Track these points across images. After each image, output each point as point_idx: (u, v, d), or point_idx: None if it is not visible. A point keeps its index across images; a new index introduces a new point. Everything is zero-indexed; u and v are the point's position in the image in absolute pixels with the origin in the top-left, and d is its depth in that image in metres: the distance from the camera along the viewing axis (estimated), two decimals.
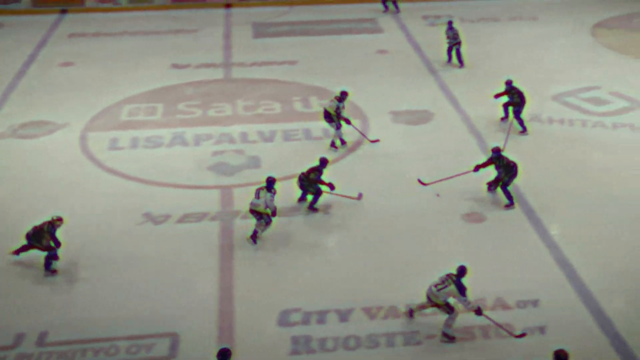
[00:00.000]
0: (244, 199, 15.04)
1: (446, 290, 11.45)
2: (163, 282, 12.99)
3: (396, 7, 28.56)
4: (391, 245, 14.03)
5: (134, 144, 18.00)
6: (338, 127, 17.41)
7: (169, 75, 22.24)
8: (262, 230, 13.97)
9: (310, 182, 14.89)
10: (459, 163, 16.31)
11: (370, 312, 12.20)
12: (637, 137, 18.16)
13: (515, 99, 17.98)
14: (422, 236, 14.30)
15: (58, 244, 13.04)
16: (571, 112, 19.47)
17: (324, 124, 17.81)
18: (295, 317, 12.13)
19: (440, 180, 15.54)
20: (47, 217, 13.21)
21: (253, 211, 13.87)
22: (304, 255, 13.75)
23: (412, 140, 18.05)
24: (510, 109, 18.30)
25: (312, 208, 15.09)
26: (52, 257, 13.05)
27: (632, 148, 17.53)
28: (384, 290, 12.72)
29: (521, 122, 18.21)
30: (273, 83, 21.71)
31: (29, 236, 13.04)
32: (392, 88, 21.15)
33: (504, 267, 13.33)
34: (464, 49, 22.44)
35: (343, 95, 17.53)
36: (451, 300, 11.56)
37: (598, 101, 20.15)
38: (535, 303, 12.35)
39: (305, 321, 12.03)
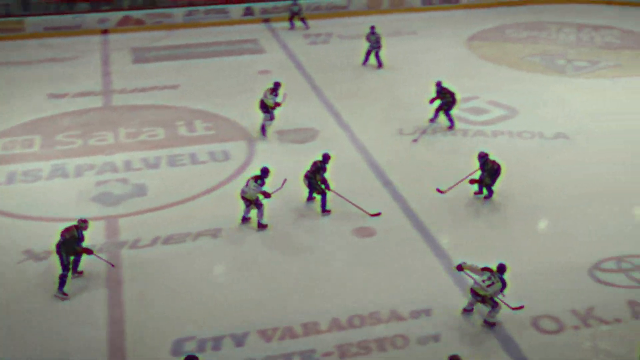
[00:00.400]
0: (130, 228, 14.76)
1: (494, 286, 12.07)
2: (51, 318, 12.53)
3: (305, 23, 28.95)
4: (283, 265, 14.04)
5: (11, 179, 17.35)
6: (272, 117, 19.06)
7: (46, 106, 21.61)
8: (262, 215, 14.93)
9: (317, 181, 15.53)
10: (349, 180, 16.56)
11: (265, 335, 12.15)
12: (515, 143, 18.93)
13: (447, 98, 19.28)
14: (314, 254, 14.38)
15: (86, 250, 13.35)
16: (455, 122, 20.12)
17: (258, 113, 19.13)
18: (190, 345, 11.93)
19: (455, 185, 16.10)
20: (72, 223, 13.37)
21: (243, 198, 14.91)
22: (194, 281, 13.57)
23: (299, 159, 18.15)
24: (442, 110, 19.58)
25: (325, 211, 15.61)
26: (79, 260, 13.51)
27: (511, 154, 18.24)
28: (279, 311, 12.70)
29: (450, 119, 19.53)
30: (155, 108, 21.45)
31: (59, 246, 13.06)
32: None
33: (397, 279, 13.56)
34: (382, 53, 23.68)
35: (276, 85, 19.10)
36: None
37: (478, 110, 20.93)
38: (428, 312, 12.61)
39: (201, 348, 11.85)
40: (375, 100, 21.83)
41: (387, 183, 16.95)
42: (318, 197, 15.77)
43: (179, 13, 29.71)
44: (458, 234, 15.12)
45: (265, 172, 15.10)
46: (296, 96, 21.88)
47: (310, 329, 12.23)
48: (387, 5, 31.47)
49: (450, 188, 16.11)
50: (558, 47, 26.88)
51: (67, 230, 13.16)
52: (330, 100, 21.63)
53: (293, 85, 22.89)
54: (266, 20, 29.99)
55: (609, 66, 24.91)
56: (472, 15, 31.19)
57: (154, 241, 14.68)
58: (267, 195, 14.96)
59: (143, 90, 22.82)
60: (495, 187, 16.12)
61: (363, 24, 29.40)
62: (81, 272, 13.65)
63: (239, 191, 15.09)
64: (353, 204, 15.64)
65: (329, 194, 15.65)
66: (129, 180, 17.20)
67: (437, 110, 19.60)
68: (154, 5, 29.96)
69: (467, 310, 12.58)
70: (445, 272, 13.71)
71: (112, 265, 13.70)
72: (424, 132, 19.22)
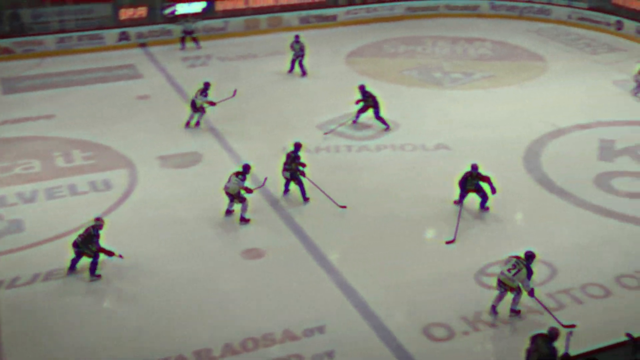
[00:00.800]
0: (7, 267, 14.25)
1: (519, 274, 12.58)
2: None
3: (197, 43, 28.80)
4: (171, 294, 13.84)
5: None
6: (203, 111, 21.14)
7: None
8: (245, 210, 15.91)
9: (294, 170, 16.68)
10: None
11: None
12: (398, 156, 19.43)
13: (369, 102, 20.77)
14: (202, 281, 14.25)
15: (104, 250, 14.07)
16: (337, 139, 20.46)
17: (189, 110, 21.04)
18: None
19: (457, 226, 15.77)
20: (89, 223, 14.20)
21: (226, 192, 15.86)
22: (78, 316, 13.20)
23: (184, 184, 18.02)
24: (364, 112, 21.14)
25: (306, 198, 16.89)
26: (96, 262, 14.05)
27: (395, 167, 18.69)
28: (169, 341, 12.49)
29: (382, 121, 21.00)
30: (30, 140, 20.76)
31: (77, 244, 14.01)
32: (158, 133, 21.06)
33: (289, 299, 13.63)
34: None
35: (206, 86, 21.09)
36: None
37: (360, 126, 21.36)
38: (321, 329, 12.73)
39: None
40: (259, 120, 21.95)
41: (274, 202, 17.04)
42: (297, 188, 16.93)
43: (50, 40, 28.93)
44: (347, 249, 15.36)
45: (246, 168, 16.10)
46: (177, 121, 21.73)
47: (203, 356, 12.11)
48: (265, 26, 31.75)
49: (455, 233, 15.66)
50: (434, 61, 27.83)
51: (86, 231, 14.06)
52: (212, 123, 21.58)
53: (173, 110, 22.78)
54: (142, 45, 29.66)
55: (483, 77, 25.97)
56: (349, 32, 31.90)
57: (34, 278, 14.20)
58: (249, 190, 15.95)
59: (16, 121, 22.07)
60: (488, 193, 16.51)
61: (242, 45, 29.73)
62: (99, 276, 14.16)
63: (125, 219, 14.85)
64: (325, 194, 16.74)
65: (305, 182, 16.89)
66: (4, 216, 16.57)
67: (359, 112, 21.10)
68: (22, 33, 29.07)
69: (494, 308, 13.04)
70: (337, 288, 13.88)
71: (121, 257, 14.23)
72: (334, 129, 20.73)
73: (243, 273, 14.53)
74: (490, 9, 34.59)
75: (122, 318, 13.23)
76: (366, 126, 21.30)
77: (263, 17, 31.86)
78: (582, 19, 32.70)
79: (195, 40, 29.24)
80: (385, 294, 13.74)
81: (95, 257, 14.09)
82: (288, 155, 16.91)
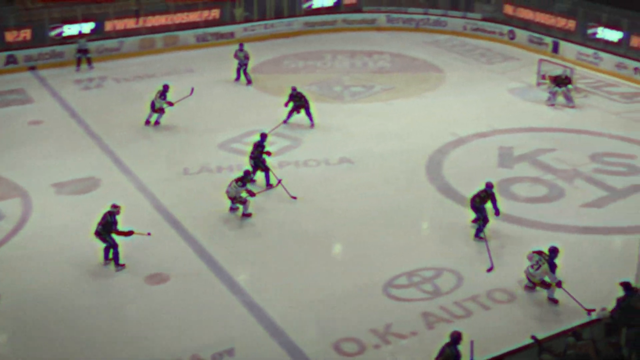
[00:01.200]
0: None
1: (541, 269, 13.52)
2: None
3: (90, 64, 28.60)
4: (72, 326, 13.47)
5: None
6: (162, 112, 22.49)
7: None
8: (247, 208, 16.93)
9: (259, 159, 18.32)
10: (137, 225, 16.25)
11: None
12: (302, 172, 19.53)
13: (298, 102, 22.37)
14: (105, 311, 13.92)
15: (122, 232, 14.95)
16: (239, 157, 20.36)
17: (148, 110, 22.51)
18: None
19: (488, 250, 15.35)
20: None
21: (228, 196, 16.95)
22: None
23: (83, 210, 17.58)
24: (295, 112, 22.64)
25: (269, 185, 18.32)
26: (117, 252, 14.87)
27: (299, 183, 18.75)
28: None
29: (310, 118, 22.62)
30: None
31: (99, 232, 14.84)
32: (52, 159, 20.49)
33: (196, 323, 13.46)
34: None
35: (165, 88, 22.50)
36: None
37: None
38: (230, 352, 12.62)
39: None
40: (158, 142, 21.68)
41: (176, 225, 16.84)
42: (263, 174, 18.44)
43: None
44: (254, 269, 15.33)
45: (246, 173, 17.15)
46: (72, 146, 21.24)
47: None
48: (160, 45, 31.41)
49: (491, 262, 15.20)
50: (334, 75, 28.17)
51: (103, 218, 14.85)
52: (110, 147, 21.18)
53: (68, 135, 22.23)
54: (32, 68, 28.82)
55: (383, 89, 26.44)
56: (249, 48, 31.85)
57: None
58: (252, 194, 16.98)
59: None
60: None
61: (138, 65, 29.33)
62: (123, 265, 15.00)
63: (19, 252, 14.51)
64: (283, 186, 17.98)
65: (271, 176, 18.37)
66: None
67: (290, 113, 22.55)
68: None
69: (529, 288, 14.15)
70: (245, 309, 13.81)
71: (149, 234, 15.40)
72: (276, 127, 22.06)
73: (148, 299, 14.28)
74: (387, 21, 35.29)
75: (22, 348, 12.81)
76: (269, 143, 21.27)
77: (158, 36, 31.50)
78: (476, 29, 33.76)
79: (89, 61, 28.69)
80: (294, 311, 13.76)
81: (115, 246, 14.90)
82: (255, 145, 18.55)
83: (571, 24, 30.95)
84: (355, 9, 35.92)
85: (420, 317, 13.53)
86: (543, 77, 26.14)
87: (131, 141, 21.66)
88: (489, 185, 16.16)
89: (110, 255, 15.09)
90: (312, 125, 22.59)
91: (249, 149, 18.80)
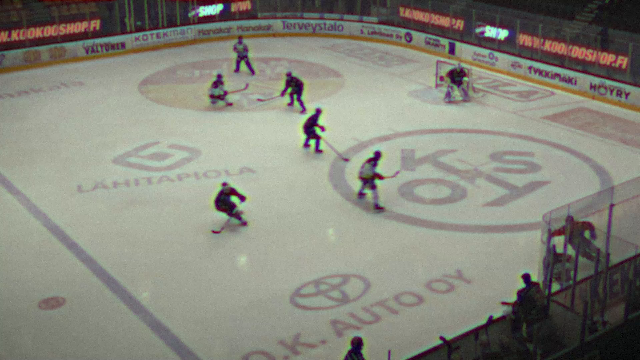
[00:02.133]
0: None
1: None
2: None
3: None
4: None
5: None
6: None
7: None
8: (377, 197, 17.89)
9: (310, 129, 20.95)
10: (27, 250, 15.82)
11: None
12: (202, 184, 19.38)
13: (293, 87, 24.40)
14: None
15: (242, 198, 17.22)
16: (136, 171, 20.09)
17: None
18: None
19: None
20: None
21: (360, 177, 18.12)
22: None
23: None
24: (295, 96, 24.72)
25: (318, 150, 21.11)
26: (236, 214, 17.10)
27: (199, 195, 18.59)
28: None
29: (301, 104, 24.48)
30: None
31: (217, 203, 17.04)
32: None
33: (96, 347, 13.13)
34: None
35: (219, 77, 25.15)
36: None
37: (160, 156, 21.14)
38: None
39: None
40: (49, 159, 21.09)
41: (71, 245, 16.44)
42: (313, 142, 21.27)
43: None
44: (156, 286, 15.11)
45: (377, 154, 18.05)
46: None
47: None
48: (47, 57, 30.63)
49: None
50: (231, 83, 28.05)
51: (218, 195, 16.99)
52: None
53: None
54: None
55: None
56: (140, 59, 31.51)
57: None
58: (380, 177, 17.91)
59: None
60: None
61: (23, 79, 28.50)
62: (245, 223, 17.21)
63: None
64: (332, 148, 20.35)
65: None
66: None
67: (291, 96, 24.68)
68: None
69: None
70: (148, 327, 13.59)
71: (245, 224, 17.08)
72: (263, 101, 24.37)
73: (42, 325, 13.86)
74: (283, 27, 35.51)
75: None
76: (166, 155, 21.11)
77: (44, 48, 30.71)
78: (373, 32, 34.37)
79: None
80: (201, 327, 13.64)
81: (231, 208, 17.07)
82: (309, 118, 21.18)
83: (459, 23, 32.08)
84: (250, 15, 36.00)
85: (329, 325, 13.63)
86: (441, 78, 26.83)
87: (20, 161, 20.99)
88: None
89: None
90: (304, 110, 24.09)
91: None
